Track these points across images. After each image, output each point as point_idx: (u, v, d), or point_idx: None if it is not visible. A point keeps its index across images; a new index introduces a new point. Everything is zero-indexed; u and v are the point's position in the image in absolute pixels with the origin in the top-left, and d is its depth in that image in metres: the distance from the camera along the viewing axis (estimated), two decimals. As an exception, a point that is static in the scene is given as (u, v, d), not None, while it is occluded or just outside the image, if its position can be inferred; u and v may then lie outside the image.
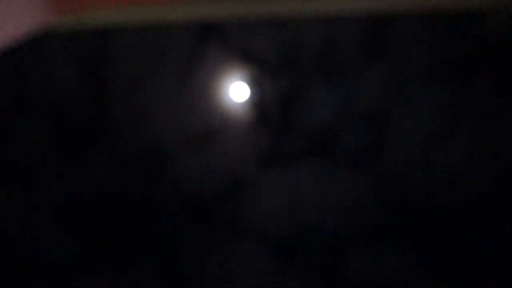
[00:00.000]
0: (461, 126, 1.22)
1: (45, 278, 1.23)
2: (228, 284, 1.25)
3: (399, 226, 1.24)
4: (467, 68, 1.22)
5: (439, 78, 1.21)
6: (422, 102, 1.22)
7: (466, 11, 1.21)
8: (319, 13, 1.22)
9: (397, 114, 1.22)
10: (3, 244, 1.23)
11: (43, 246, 1.23)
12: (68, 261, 1.24)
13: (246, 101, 1.24)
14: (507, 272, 1.24)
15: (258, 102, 1.24)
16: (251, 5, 1.23)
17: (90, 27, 1.24)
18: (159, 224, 1.24)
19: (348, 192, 1.24)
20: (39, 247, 1.23)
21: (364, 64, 1.22)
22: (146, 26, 1.23)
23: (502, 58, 1.21)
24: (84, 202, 1.22)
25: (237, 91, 1.24)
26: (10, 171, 1.23)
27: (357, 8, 1.22)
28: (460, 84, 1.22)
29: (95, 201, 1.23)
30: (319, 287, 1.26)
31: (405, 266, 1.25)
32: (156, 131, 1.23)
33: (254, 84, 1.24)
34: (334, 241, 1.25)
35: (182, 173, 1.24)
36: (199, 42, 1.23)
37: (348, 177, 1.24)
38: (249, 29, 1.23)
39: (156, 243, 1.25)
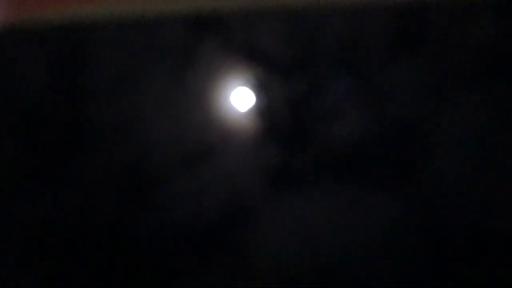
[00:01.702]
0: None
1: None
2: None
3: (439, 263, 1.00)
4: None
5: (484, 77, 1.00)
6: (466, 107, 1.00)
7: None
8: (338, 2, 1.02)
9: (436, 122, 1.00)
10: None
11: None
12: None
13: (251, 109, 1.03)
14: None
15: (265, 110, 1.02)
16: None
17: (63, 21, 1.04)
18: (146, 260, 1.02)
19: (376, 220, 1.01)
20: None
21: (394, 63, 1.01)
22: (131, 19, 1.03)
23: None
24: (53, 231, 1.01)
25: (240, 97, 1.03)
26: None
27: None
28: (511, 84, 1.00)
29: (67, 231, 1.01)
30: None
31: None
32: (143, 145, 1.02)
33: (261, 88, 1.02)
34: (359, 280, 1.02)
35: (174, 196, 1.02)
36: (195, 38, 1.03)
37: (375, 202, 1.01)
38: (255, 21, 1.02)
39: (142, 284, 1.02)
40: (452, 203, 0.99)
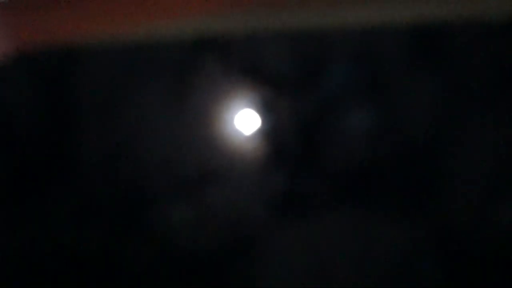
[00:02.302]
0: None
1: None
2: None
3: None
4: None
5: (506, 95, 0.92)
6: (486, 126, 0.92)
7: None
8: (349, 21, 0.96)
9: (453, 142, 0.92)
10: None
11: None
12: None
13: (256, 132, 0.95)
14: None
15: (271, 133, 0.95)
16: (262, 17, 0.98)
17: (61, 44, 0.99)
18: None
19: (393, 250, 0.92)
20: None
21: (409, 81, 0.94)
22: (129, 41, 0.98)
23: None
24: (41, 259, 0.93)
25: (244, 119, 0.96)
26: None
27: (398, 15, 0.96)
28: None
29: (53, 260, 0.93)
30: None
31: None
32: (138, 169, 0.95)
33: (266, 110, 0.96)
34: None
35: (171, 226, 0.94)
36: (196, 57, 0.97)
37: (393, 230, 0.92)
38: (259, 39, 0.97)
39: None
40: (476, 230, 0.90)
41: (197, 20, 0.97)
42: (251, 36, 0.96)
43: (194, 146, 0.95)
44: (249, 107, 0.96)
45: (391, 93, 0.94)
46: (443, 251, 0.91)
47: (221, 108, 0.96)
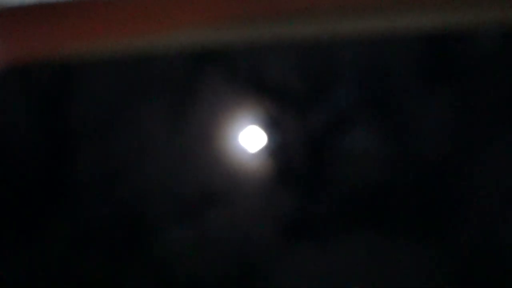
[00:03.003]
0: None
1: None
2: None
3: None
4: None
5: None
6: (503, 144, 0.86)
7: None
8: (357, 31, 0.90)
9: (476, 162, 0.86)
10: None
11: None
12: None
13: (262, 150, 0.90)
14: None
15: (278, 151, 0.89)
16: (267, 29, 0.92)
17: (57, 58, 0.93)
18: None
19: (407, 275, 0.86)
20: None
21: (422, 97, 0.88)
22: (127, 53, 0.92)
23: None
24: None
25: (249, 136, 0.90)
26: None
27: (412, 25, 0.90)
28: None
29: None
30: None
31: None
32: (137, 191, 0.89)
33: (273, 126, 0.90)
34: None
35: (171, 252, 0.88)
36: (197, 72, 0.91)
37: (407, 254, 0.86)
38: (264, 52, 0.91)
39: None
40: (495, 254, 0.84)
41: (199, 32, 0.92)
42: (255, 49, 0.90)
43: (195, 165, 0.89)
44: (254, 123, 0.90)
45: (400, 110, 0.88)
46: (459, 275, 0.85)
47: (224, 125, 0.91)
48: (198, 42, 0.91)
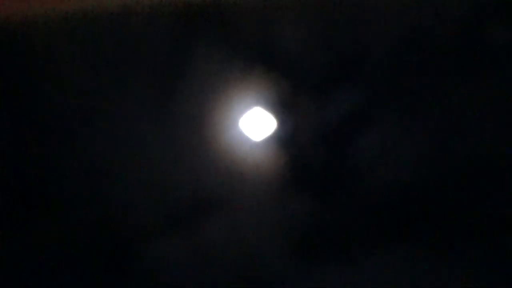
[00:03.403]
0: None
1: None
2: None
3: None
4: None
5: None
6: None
7: None
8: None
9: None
10: None
11: None
12: None
13: (269, 138, 0.71)
14: None
15: (287, 141, 0.72)
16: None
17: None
18: None
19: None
20: None
21: (458, 86, 0.73)
22: (106, 14, 0.70)
23: None
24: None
25: (253, 121, 0.71)
26: None
27: None
28: None
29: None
30: None
31: None
32: (120, 193, 0.69)
33: (283, 110, 0.72)
34: None
35: (161, 263, 0.69)
36: (189, 37, 0.70)
37: (437, 269, 0.72)
38: (273, 12, 0.72)
39: None
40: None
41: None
42: (262, 5, 0.71)
43: (187, 159, 0.70)
44: (260, 105, 0.71)
45: (435, 99, 0.74)
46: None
47: (223, 107, 0.71)
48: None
